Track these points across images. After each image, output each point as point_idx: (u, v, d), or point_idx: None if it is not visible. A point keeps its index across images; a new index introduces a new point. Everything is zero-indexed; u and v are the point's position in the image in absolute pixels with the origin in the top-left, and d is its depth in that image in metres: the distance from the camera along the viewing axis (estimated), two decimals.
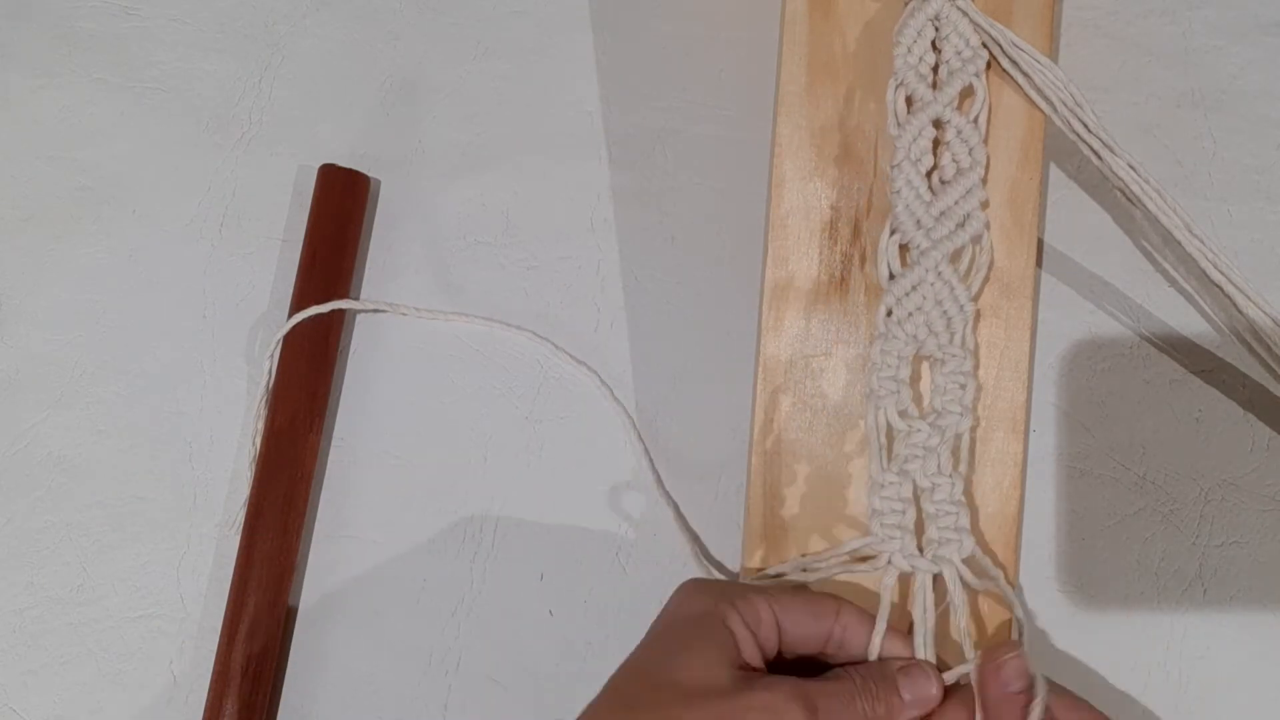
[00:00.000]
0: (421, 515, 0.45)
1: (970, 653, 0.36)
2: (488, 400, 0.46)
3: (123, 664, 0.44)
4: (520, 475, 0.45)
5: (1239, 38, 0.47)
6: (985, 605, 0.39)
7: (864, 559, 0.38)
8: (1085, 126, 0.40)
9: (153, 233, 0.48)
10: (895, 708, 0.34)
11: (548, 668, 0.43)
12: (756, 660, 0.34)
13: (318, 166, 0.47)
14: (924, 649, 0.36)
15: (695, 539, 0.43)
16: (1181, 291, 0.45)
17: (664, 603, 0.36)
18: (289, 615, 0.44)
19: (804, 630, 0.35)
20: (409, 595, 0.44)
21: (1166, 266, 0.45)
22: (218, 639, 0.43)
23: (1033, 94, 0.40)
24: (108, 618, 0.45)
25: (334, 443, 0.46)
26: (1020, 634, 0.37)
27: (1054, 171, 0.46)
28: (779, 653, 0.36)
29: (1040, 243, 0.44)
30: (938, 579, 0.37)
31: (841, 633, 0.36)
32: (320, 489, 0.45)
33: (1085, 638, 0.42)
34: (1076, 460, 0.44)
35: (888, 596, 0.36)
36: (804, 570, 0.39)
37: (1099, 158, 0.40)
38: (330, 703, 0.43)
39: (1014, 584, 0.39)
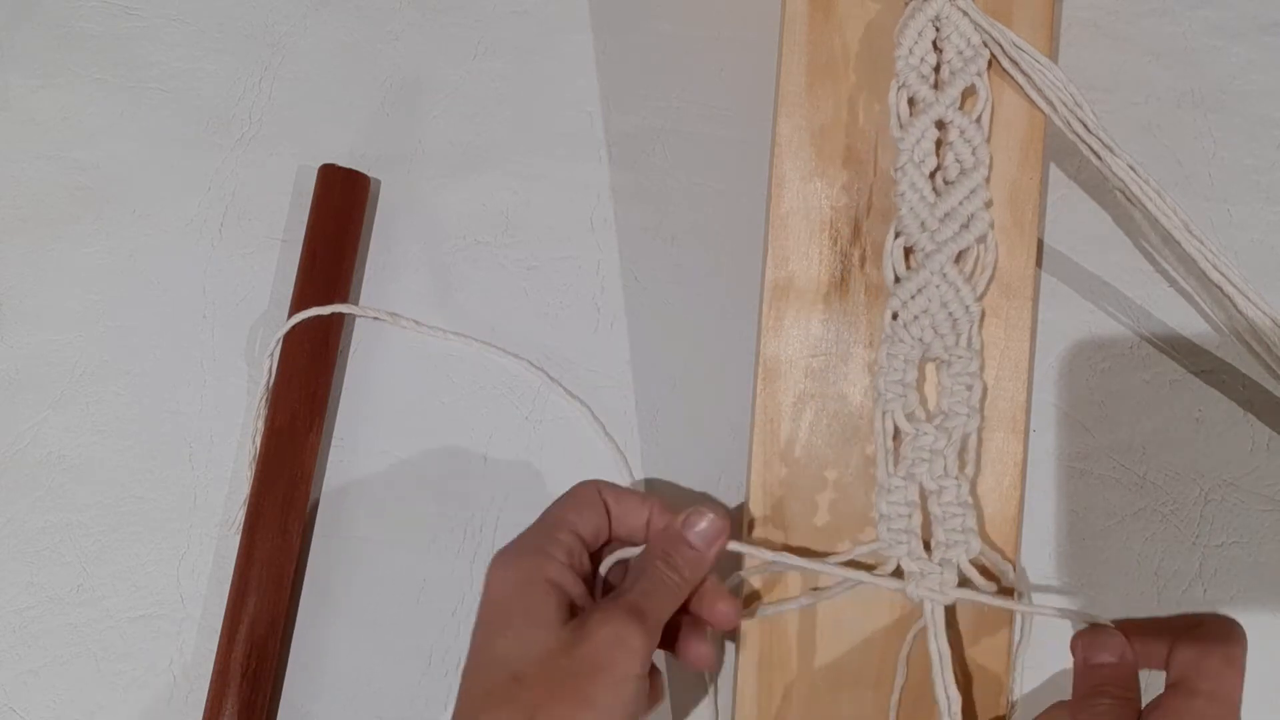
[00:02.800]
0: (421, 515, 0.45)
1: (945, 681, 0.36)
2: (488, 400, 0.46)
3: (123, 664, 0.44)
4: (520, 475, 0.45)
5: (1239, 38, 0.47)
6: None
7: (869, 566, 0.38)
8: (1085, 126, 0.40)
9: (153, 233, 0.48)
10: (694, 559, 0.36)
11: None
12: (581, 590, 0.35)
13: (318, 166, 0.47)
14: (941, 678, 0.36)
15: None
16: (1181, 292, 0.45)
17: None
18: (289, 615, 0.44)
19: (592, 527, 0.37)
20: (409, 595, 0.44)
21: (1166, 266, 0.45)
22: (218, 639, 0.43)
23: (1033, 94, 0.40)
24: (108, 618, 0.45)
25: (334, 443, 0.46)
26: (1022, 628, 0.38)
27: (1054, 171, 0.46)
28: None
29: (1040, 243, 0.44)
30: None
31: (615, 512, 0.37)
32: (320, 489, 0.46)
33: None
34: (1076, 460, 0.44)
35: (935, 625, 0.37)
36: (814, 590, 0.39)
37: (1099, 158, 0.40)
38: (330, 703, 0.43)
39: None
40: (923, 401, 0.39)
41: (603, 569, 0.38)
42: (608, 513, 0.37)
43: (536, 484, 0.45)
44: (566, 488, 0.44)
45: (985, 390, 0.39)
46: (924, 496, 0.38)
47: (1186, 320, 0.45)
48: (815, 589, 0.39)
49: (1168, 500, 0.43)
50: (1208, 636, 0.34)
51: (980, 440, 0.39)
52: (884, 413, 0.38)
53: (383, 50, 0.49)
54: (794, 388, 0.40)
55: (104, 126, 0.49)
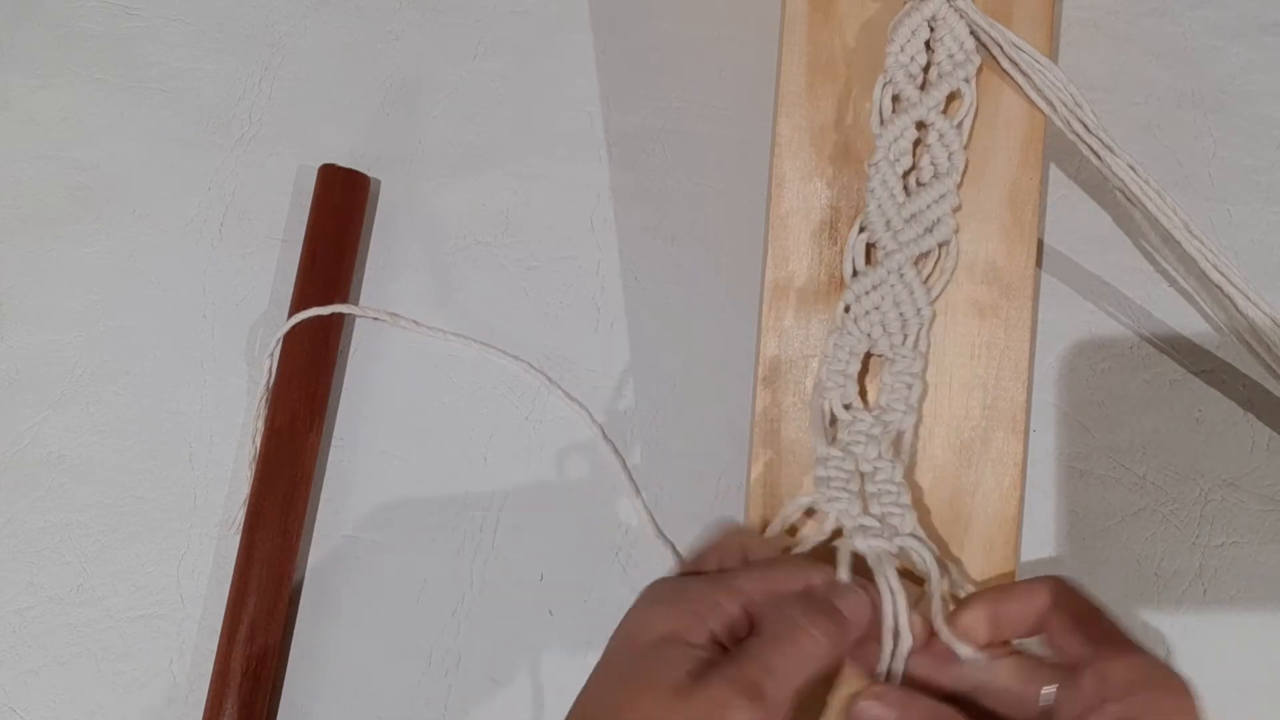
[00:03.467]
0: (421, 515, 0.45)
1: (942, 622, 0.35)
2: (488, 400, 0.46)
3: (123, 664, 0.44)
4: (520, 475, 0.45)
5: (1239, 38, 0.47)
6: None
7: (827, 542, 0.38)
8: (1085, 126, 0.40)
9: (153, 233, 0.48)
10: (841, 627, 0.32)
11: (548, 668, 0.43)
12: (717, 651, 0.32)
13: (318, 166, 0.47)
14: (894, 634, 0.35)
15: (674, 549, 0.44)
16: (1181, 291, 0.45)
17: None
18: (289, 615, 0.44)
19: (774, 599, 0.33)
20: (409, 595, 0.44)
21: (1166, 266, 0.45)
22: (218, 639, 0.43)
23: (1033, 94, 0.40)
24: (108, 618, 0.45)
25: (334, 443, 0.46)
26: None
27: (1054, 171, 0.46)
28: None
29: (1040, 243, 0.44)
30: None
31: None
32: (320, 489, 0.45)
33: None
34: (1076, 460, 0.44)
35: (847, 560, 0.36)
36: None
37: (1099, 158, 0.40)
38: (330, 703, 0.43)
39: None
40: (862, 393, 0.40)
41: None
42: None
43: (536, 484, 0.45)
44: (566, 488, 0.45)
45: (925, 390, 0.39)
46: (862, 478, 0.38)
47: (1186, 320, 0.45)
48: None
49: (1168, 500, 0.43)
50: (1154, 678, 0.30)
51: (916, 437, 0.39)
52: (822, 398, 0.39)
53: (383, 50, 0.50)
54: (794, 388, 0.40)
55: (104, 126, 0.49)
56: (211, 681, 0.42)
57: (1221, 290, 0.40)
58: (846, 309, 0.40)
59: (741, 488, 0.43)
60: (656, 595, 0.33)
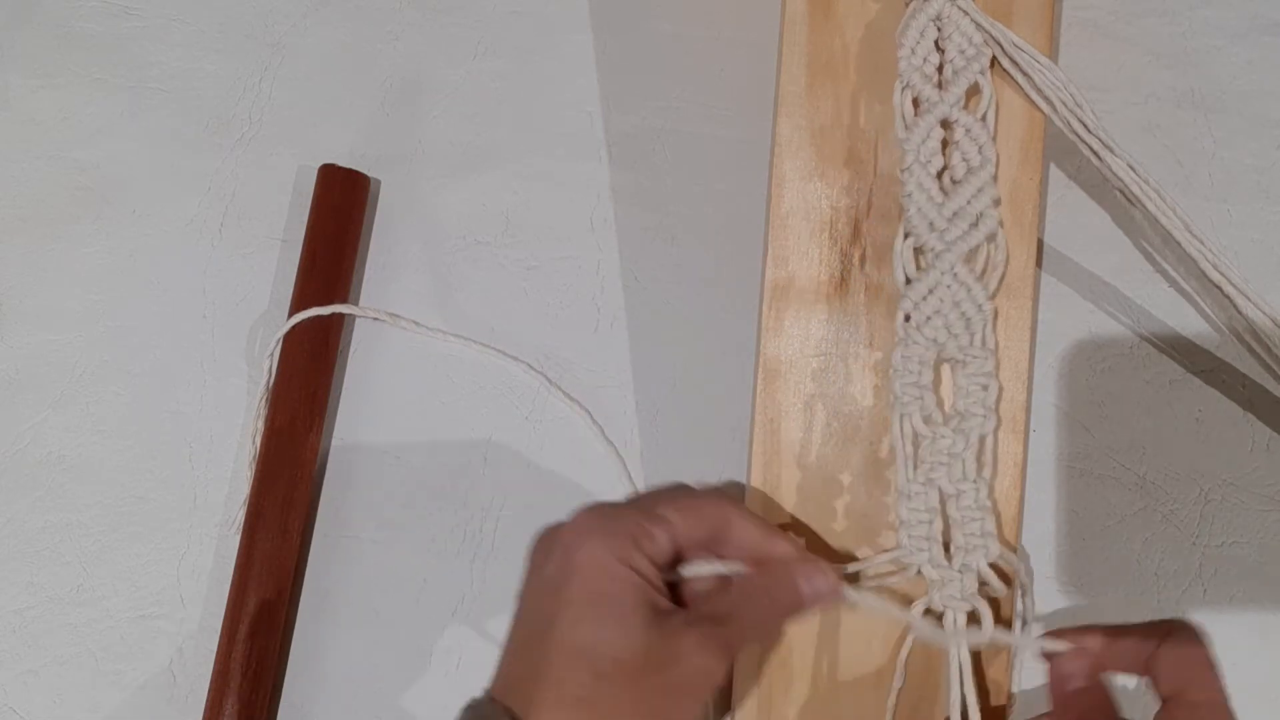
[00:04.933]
0: (421, 515, 0.45)
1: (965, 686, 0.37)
2: (488, 400, 0.46)
3: (123, 664, 0.44)
4: (520, 475, 0.45)
5: (1239, 38, 0.47)
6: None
7: (889, 573, 0.38)
8: (1085, 126, 0.40)
9: (153, 233, 0.48)
10: (793, 608, 0.34)
11: None
12: (663, 590, 0.34)
13: (318, 166, 0.47)
14: (960, 687, 0.36)
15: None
16: (1181, 291, 0.45)
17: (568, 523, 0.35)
18: (289, 615, 0.44)
19: (696, 540, 0.35)
20: (409, 595, 0.44)
21: (1166, 266, 0.45)
22: (218, 639, 0.43)
23: (1033, 94, 0.40)
24: (108, 618, 0.45)
25: (334, 443, 0.46)
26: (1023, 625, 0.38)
27: (1054, 171, 0.46)
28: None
29: (1040, 243, 0.44)
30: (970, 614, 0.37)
31: (734, 537, 0.35)
32: (320, 489, 0.45)
33: None
34: (1076, 460, 0.44)
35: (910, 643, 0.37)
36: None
37: (1099, 158, 0.40)
38: (330, 703, 0.43)
39: (1012, 589, 0.39)
40: (939, 403, 0.39)
41: (685, 572, 0.35)
42: (723, 535, 0.35)
43: (536, 484, 0.45)
44: (566, 488, 0.45)
45: (1000, 390, 0.39)
46: (943, 501, 0.38)
47: (1186, 320, 0.45)
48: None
49: (1168, 500, 0.43)
50: (1184, 643, 0.34)
51: (996, 441, 0.39)
52: (901, 416, 0.38)
53: (383, 50, 0.49)
54: (794, 388, 0.40)
55: (104, 126, 0.49)
56: (211, 681, 0.42)
57: (1221, 290, 0.40)
58: (906, 318, 0.39)
59: (742, 488, 0.43)
60: (591, 522, 0.34)
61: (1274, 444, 0.43)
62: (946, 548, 0.38)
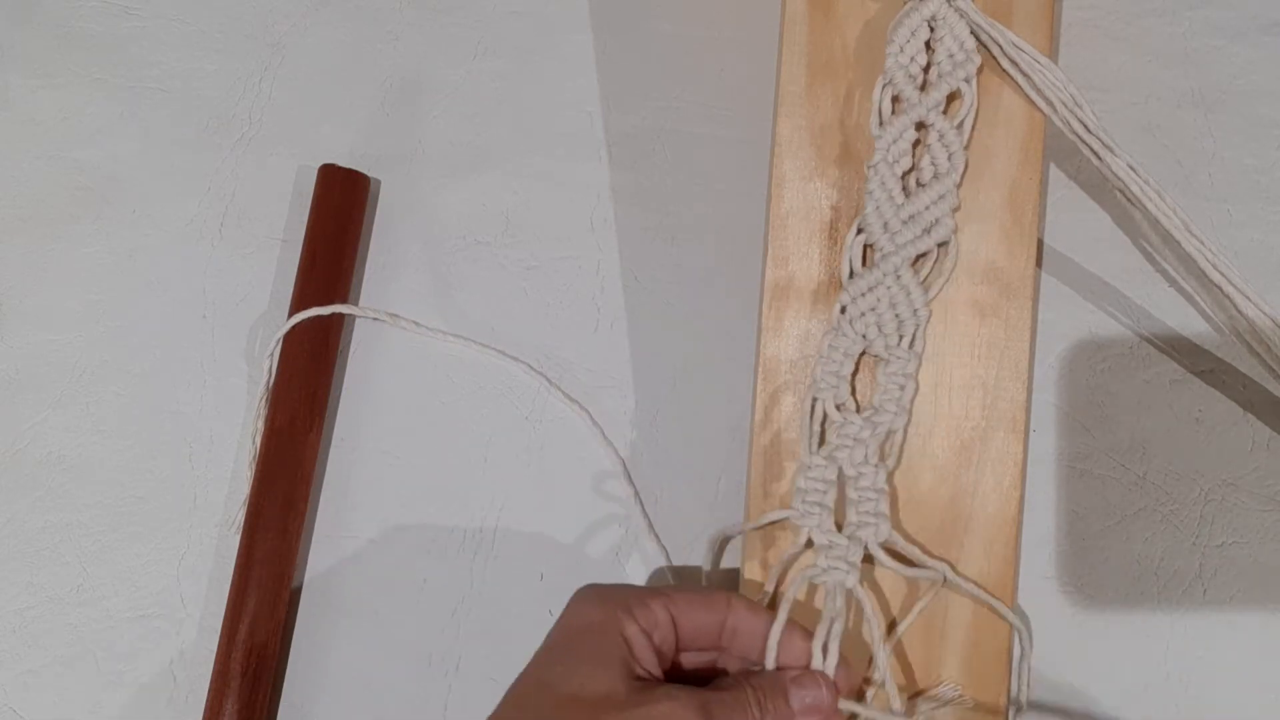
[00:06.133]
0: (421, 515, 0.45)
1: (882, 655, 0.37)
2: (488, 400, 0.46)
3: (123, 664, 0.44)
4: (520, 475, 0.45)
5: (1239, 38, 0.47)
6: (981, 614, 0.39)
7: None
8: (1085, 126, 0.40)
9: (153, 233, 0.48)
10: (785, 716, 0.34)
11: None
12: (654, 667, 0.34)
13: (318, 166, 0.47)
14: (824, 650, 0.36)
15: (666, 554, 0.44)
16: (1181, 291, 0.45)
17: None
18: (289, 615, 0.44)
19: (698, 623, 0.35)
20: (409, 595, 0.44)
21: (1166, 266, 0.45)
22: (218, 639, 0.43)
23: (1033, 94, 0.40)
24: (108, 618, 0.45)
25: (334, 443, 0.46)
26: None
27: (1054, 171, 0.46)
28: (675, 657, 0.36)
29: (1040, 243, 0.44)
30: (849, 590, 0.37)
31: (735, 624, 0.36)
32: (320, 489, 0.46)
33: (1085, 638, 0.42)
34: (1076, 460, 0.44)
35: (791, 595, 0.36)
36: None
37: (1099, 158, 0.40)
38: (330, 703, 0.43)
39: (1013, 589, 0.39)
40: (853, 393, 0.40)
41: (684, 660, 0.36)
42: (727, 627, 0.36)
43: (536, 484, 0.45)
44: (566, 487, 0.45)
45: (917, 390, 0.39)
46: (844, 482, 0.39)
47: (1186, 320, 0.45)
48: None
49: (1168, 500, 0.43)
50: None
51: (905, 437, 0.39)
52: (815, 399, 0.39)
53: (383, 50, 0.50)
54: (794, 387, 0.40)
55: (104, 126, 0.49)
56: (211, 681, 0.42)
57: (1221, 290, 0.40)
58: (843, 310, 0.40)
59: (741, 488, 0.43)
60: (591, 593, 0.36)
61: (1274, 444, 0.43)
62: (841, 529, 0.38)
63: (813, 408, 0.39)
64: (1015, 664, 0.39)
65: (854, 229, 0.40)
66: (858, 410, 0.39)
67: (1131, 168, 0.39)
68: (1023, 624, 0.39)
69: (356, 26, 0.50)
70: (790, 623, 0.35)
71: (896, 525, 0.39)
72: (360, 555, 0.45)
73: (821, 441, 0.39)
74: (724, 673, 0.36)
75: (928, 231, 0.40)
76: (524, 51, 0.49)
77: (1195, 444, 0.44)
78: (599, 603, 0.35)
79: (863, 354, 0.40)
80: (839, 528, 0.38)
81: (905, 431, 0.39)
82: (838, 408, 0.39)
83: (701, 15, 0.49)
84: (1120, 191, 0.40)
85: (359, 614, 0.44)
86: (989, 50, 0.40)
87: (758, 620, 0.36)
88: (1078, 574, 0.43)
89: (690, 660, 0.37)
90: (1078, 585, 0.43)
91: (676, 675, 0.36)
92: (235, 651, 0.42)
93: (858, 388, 0.40)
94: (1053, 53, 0.42)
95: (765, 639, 0.35)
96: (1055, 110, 0.40)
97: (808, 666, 0.35)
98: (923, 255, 0.40)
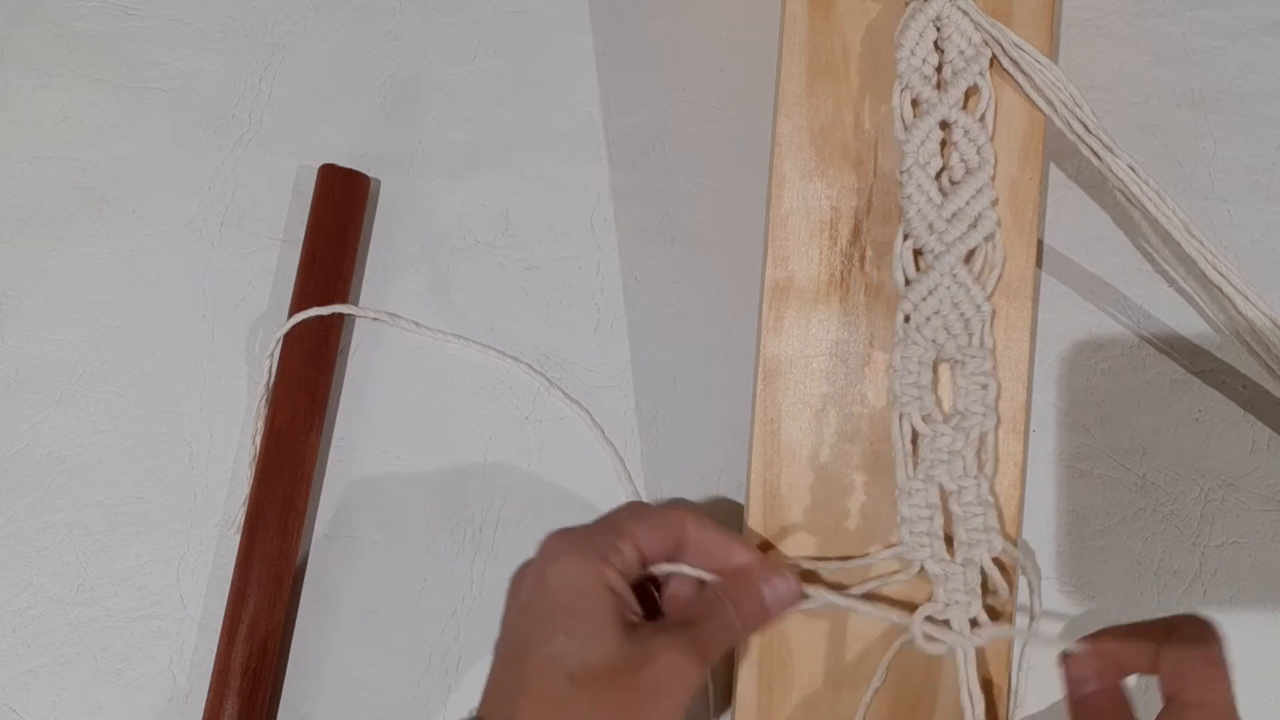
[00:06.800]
0: (421, 515, 0.45)
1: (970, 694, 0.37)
2: (488, 400, 0.46)
3: (123, 664, 0.44)
4: (520, 475, 0.45)
5: (1239, 38, 0.47)
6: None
7: (893, 571, 0.39)
8: (1085, 126, 0.40)
9: (153, 233, 0.48)
10: (759, 615, 0.36)
11: None
12: (636, 605, 0.35)
13: (318, 166, 0.47)
14: (967, 686, 0.37)
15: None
16: (1181, 292, 0.45)
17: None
18: (289, 615, 0.44)
19: (658, 548, 0.36)
20: (409, 595, 0.44)
21: (1166, 266, 0.45)
22: (218, 639, 0.43)
23: (1033, 94, 0.40)
24: (108, 618, 0.45)
25: (334, 443, 0.46)
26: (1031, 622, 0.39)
27: (1054, 171, 0.46)
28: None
29: (1040, 243, 0.44)
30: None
31: (689, 541, 0.37)
32: (320, 489, 0.45)
33: None
34: (1076, 460, 0.44)
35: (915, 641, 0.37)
36: (840, 592, 0.38)
37: (1099, 158, 0.40)
38: (330, 703, 0.43)
39: (1013, 589, 0.39)
40: (938, 403, 0.39)
41: (657, 570, 0.37)
42: (684, 543, 0.37)
43: (536, 484, 0.45)
44: (566, 488, 0.45)
45: (999, 388, 0.39)
46: (944, 497, 0.38)
47: (1186, 320, 0.45)
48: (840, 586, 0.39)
49: (1168, 500, 0.43)
50: (1186, 641, 0.34)
51: (997, 439, 0.39)
52: (900, 415, 0.38)
53: (383, 50, 0.50)
54: (794, 388, 0.40)
55: (104, 126, 0.49)
56: (211, 681, 0.42)
57: (1221, 290, 0.40)
58: (906, 319, 0.39)
59: (741, 488, 0.43)
60: (562, 545, 0.35)
61: (1274, 444, 0.43)
62: (949, 544, 0.38)
63: (899, 424, 0.38)
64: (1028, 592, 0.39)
65: (899, 235, 0.40)
66: (944, 421, 0.39)
67: (1131, 168, 0.39)
68: (1027, 559, 0.39)
69: (356, 26, 0.50)
70: (726, 530, 0.37)
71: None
72: (360, 555, 0.45)
73: (914, 462, 0.38)
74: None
75: (973, 226, 0.39)
76: (524, 51, 0.49)
77: (1195, 444, 0.44)
78: (576, 555, 0.35)
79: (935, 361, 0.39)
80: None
81: (996, 433, 0.39)
82: (924, 419, 0.38)
83: (701, 15, 0.49)
84: (1120, 191, 0.40)
85: (359, 614, 0.44)
86: (989, 50, 0.40)
87: (710, 534, 0.37)
88: (1078, 574, 0.43)
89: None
90: (1078, 585, 0.43)
91: (638, 590, 0.36)
92: (235, 651, 0.42)
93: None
94: (1053, 53, 0.42)
95: (720, 551, 0.37)
96: (1055, 110, 0.40)
97: (757, 563, 0.37)
98: (971, 253, 0.39)
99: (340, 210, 0.46)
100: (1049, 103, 0.40)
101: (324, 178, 0.47)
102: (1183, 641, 0.34)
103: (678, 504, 0.38)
